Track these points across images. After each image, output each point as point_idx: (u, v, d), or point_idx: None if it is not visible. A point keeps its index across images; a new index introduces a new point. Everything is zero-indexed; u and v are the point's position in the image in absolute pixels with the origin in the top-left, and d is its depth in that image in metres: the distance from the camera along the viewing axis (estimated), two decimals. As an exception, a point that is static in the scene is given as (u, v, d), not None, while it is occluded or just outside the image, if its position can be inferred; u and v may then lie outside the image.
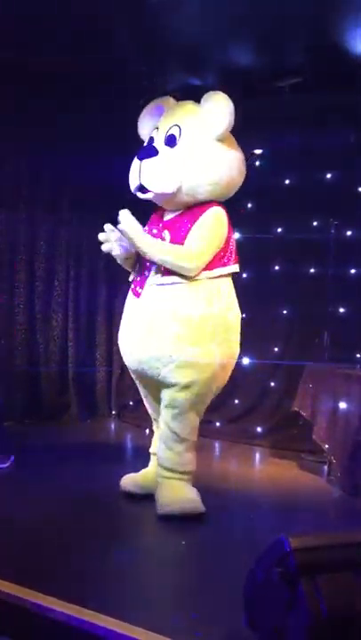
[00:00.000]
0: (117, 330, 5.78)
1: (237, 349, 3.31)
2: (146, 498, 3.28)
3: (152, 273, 3.19)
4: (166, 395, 3.15)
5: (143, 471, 3.45)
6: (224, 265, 3.20)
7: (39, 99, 4.78)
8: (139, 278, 3.28)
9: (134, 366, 3.27)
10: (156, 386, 3.24)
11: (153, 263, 3.17)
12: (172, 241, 3.16)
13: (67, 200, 5.58)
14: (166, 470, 3.15)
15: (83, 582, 2.30)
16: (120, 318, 3.32)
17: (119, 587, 2.29)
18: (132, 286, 3.32)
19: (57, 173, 5.35)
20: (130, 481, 3.38)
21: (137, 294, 3.25)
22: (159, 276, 3.15)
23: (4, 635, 2.09)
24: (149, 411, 3.50)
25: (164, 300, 3.13)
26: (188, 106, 3.32)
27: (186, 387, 3.08)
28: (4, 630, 2.11)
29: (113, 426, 5.67)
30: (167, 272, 3.13)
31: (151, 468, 3.44)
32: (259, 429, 5.03)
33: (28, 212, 5.33)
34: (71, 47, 4.14)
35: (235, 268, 3.27)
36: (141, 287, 3.23)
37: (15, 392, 5.19)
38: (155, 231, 3.23)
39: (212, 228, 3.17)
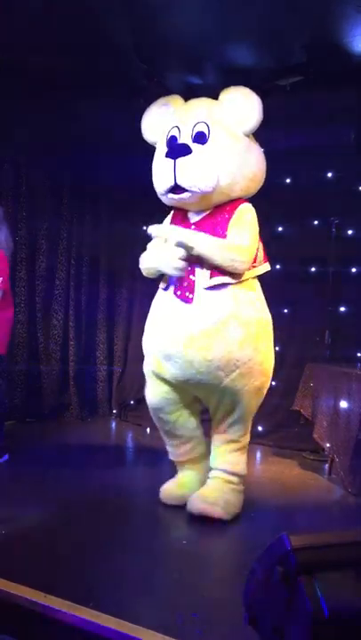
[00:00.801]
0: (117, 329, 5.87)
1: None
2: (146, 497, 3.29)
3: (199, 277, 3.03)
4: (226, 401, 3.08)
5: (175, 480, 3.38)
6: (262, 263, 3.22)
7: (36, 97, 4.76)
8: (186, 283, 3.06)
9: (186, 376, 3.04)
10: (202, 393, 3.17)
11: (195, 267, 3.02)
12: None
13: (67, 198, 5.58)
14: (213, 469, 3.17)
15: (82, 582, 2.30)
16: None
17: (119, 586, 2.29)
18: (178, 292, 3.08)
19: (57, 171, 5.34)
20: (168, 494, 3.29)
21: (188, 300, 3.03)
22: (207, 278, 3.01)
23: (7, 634, 2.08)
24: (170, 418, 3.28)
25: (224, 305, 2.99)
26: (208, 102, 3.22)
27: (249, 393, 3.06)
28: (6, 630, 2.11)
29: (114, 425, 5.67)
30: (214, 273, 3.00)
31: (180, 476, 3.38)
32: (260, 428, 5.02)
33: (27, 210, 5.32)
34: (70, 45, 4.13)
35: (266, 266, 3.26)
36: (191, 292, 3.03)
37: (16, 391, 5.19)
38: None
39: (252, 223, 3.14)
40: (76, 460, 4.13)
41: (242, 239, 3.04)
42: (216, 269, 3.00)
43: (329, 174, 4.91)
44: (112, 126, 4.60)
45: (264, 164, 3.30)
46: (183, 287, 3.07)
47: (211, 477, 3.18)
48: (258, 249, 3.18)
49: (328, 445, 4.05)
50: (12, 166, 5.20)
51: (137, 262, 3.44)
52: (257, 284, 3.23)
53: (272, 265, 5.02)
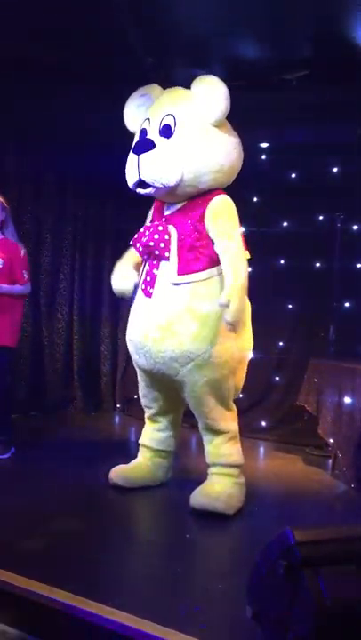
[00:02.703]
0: (122, 323, 5.86)
1: (251, 342, 3.30)
2: (145, 489, 3.30)
3: (163, 272, 3.12)
4: (190, 394, 3.12)
5: (132, 463, 3.46)
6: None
7: (41, 90, 4.75)
8: (148, 278, 3.19)
9: (149, 367, 3.20)
10: (171, 385, 3.22)
11: (160, 261, 3.12)
12: (180, 236, 3.09)
13: (72, 192, 5.58)
14: (211, 466, 3.18)
15: (85, 574, 2.31)
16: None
17: (122, 579, 2.30)
18: (142, 286, 3.23)
19: (61, 166, 5.33)
20: (119, 474, 3.37)
21: (148, 294, 3.17)
22: (174, 274, 3.08)
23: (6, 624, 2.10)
24: (149, 404, 3.46)
25: (180, 300, 3.06)
26: (179, 92, 3.21)
27: (209, 385, 3.06)
28: (6, 620, 2.12)
29: (117, 419, 5.68)
30: (182, 271, 3.07)
31: (141, 460, 3.46)
32: (263, 423, 5.03)
33: (32, 204, 5.32)
34: (76, 39, 4.12)
35: (246, 255, 3.19)
36: (152, 287, 3.16)
37: (20, 384, 5.20)
38: (160, 228, 3.14)
39: (231, 217, 3.13)
40: (80, 454, 4.13)
41: (232, 244, 3.04)
42: (184, 266, 3.07)
43: (334, 169, 4.89)
44: (117, 120, 4.58)
45: (235, 155, 3.21)
46: (146, 282, 3.21)
47: (210, 473, 3.18)
48: (242, 234, 3.19)
49: (332, 441, 4.05)
50: (16, 160, 5.20)
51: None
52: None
53: (277, 260, 5.07)
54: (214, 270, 3.07)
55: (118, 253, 5.79)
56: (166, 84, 3.77)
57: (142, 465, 3.44)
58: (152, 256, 3.17)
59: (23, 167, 5.26)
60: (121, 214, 5.67)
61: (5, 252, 3.89)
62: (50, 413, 5.39)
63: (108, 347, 5.85)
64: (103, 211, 5.79)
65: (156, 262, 3.15)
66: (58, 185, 5.49)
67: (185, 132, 3.08)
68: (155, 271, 3.16)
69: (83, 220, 5.70)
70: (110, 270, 5.78)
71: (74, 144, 4.96)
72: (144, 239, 3.17)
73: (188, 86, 3.24)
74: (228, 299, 2.85)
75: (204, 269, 3.07)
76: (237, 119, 3.17)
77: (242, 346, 3.21)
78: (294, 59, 4.27)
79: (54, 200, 5.48)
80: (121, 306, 5.90)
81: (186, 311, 3.04)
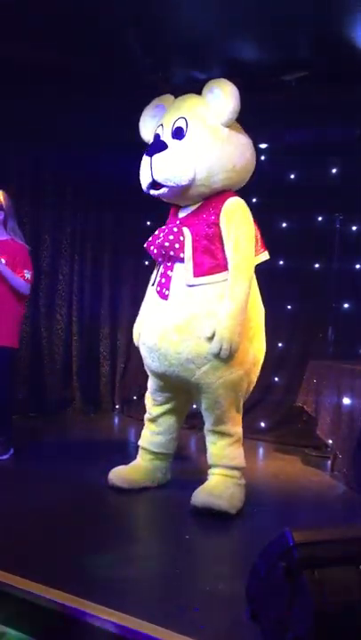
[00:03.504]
0: (121, 324, 5.86)
1: (264, 344, 3.30)
2: (145, 490, 3.30)
3: (178, 273, 3.12)
4: (205, 396, 3.11)
5: (131, 465, 3.45)
6: (260, 252, 3.19)
7: (37, 91, 4.76)
8: (163, 280, 3.18)
9: (162, 369, 3.17)
10: (183, 388, 3.22)
11: (174, 262, 3.13)
12: (195, 237, 3.09)
13: (71, 193, 5.58)
14: (213, 467, 3.18)
15: (84, 575, 2.30)
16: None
17: (121, 579, 2.30)
18: (157, 288, 3.21)
19: (60, 166, 5.33)
20: (117, 475, 3.37)
21: (164, 296, 3.15)
22: (190, 276, 3.08)
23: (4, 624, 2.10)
24: (155, 406, 3.44)
25: (196, 301, 3.06)
26: (191, 98, 3.25)
27: (225, 386, 3.06)
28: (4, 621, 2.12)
29: (116, 420, 5.67)
30: (198, 273, 3.07)
31: (139, 462, 3.46)
32: (262, 424, 5.03)
33: (31, 205, 5.32)
34: (73, 41, 4.12)
35: (265, 255, 3.22)
36: (167, 288, 3.14)
37: (19, 385, 5.20)
38: (175, 229, 3.14)
39: (244, 221, 3.12)
40: (79, 455, 4.13)
41: (239, 252, 3.04)
42: (200, 268, 3.06)
43: (333, 170, 4.89)
44: (116, 121, 4.59)
45: (248, 155, 3.24)
46: (161, 284, 3.19)
47: (212, 474, 3.18)
48: (256, 238, 3.17)
49: (331, 442, 4.05)
50: (15, 161, 5.20)
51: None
52: (253, 277, 3.20)
53: (276, 260, 5.07)
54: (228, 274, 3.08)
55: (117, 254, 5.86)
56: (165, 84, 3.78)
57: (141, 466, 3.44)
58: (166, 257, 3.17)
59: (22, 167, 5.27)
60: (120, 215, 5.68)
61: (8, 251, 3.88)
62: (49, 414, 5.39)
63: (107, 347, 5.85)
64: (102, 212, 5.80)
65: (170, 264, 3.16)
66: (57, 186, 5.49)
67: (197, 133, 3.11)
68: (169, 273, 3.16)
69: (82, 220, 5.70)
70: (109, 271, 5.86)
71: (73, 144, 4.97)
72: (158, 240, 3.18)
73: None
74: (212, 331, 2.96)
75: (219, 272, 3.07)
76: (237, 120, 3.18)
77: (257, 348, 3.22)
78: (294, 60, 4.27)
79: (53, 201, 5.48)
80: (120, 307, 5.92)
81: (202, 313, 3.03)
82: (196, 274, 3.07)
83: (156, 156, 3.11)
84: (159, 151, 3.10)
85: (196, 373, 3.06)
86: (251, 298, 3.11)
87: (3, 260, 3.80)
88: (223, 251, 3.08)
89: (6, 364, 3.90)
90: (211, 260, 3.08)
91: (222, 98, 3.09)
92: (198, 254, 3.08)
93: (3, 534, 2.65)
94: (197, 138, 3.10)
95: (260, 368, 3.30)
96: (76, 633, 2.03)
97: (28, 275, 3.92)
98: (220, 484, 3.09)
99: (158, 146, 3.13)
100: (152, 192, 3.23)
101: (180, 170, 3.07)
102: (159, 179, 3.12)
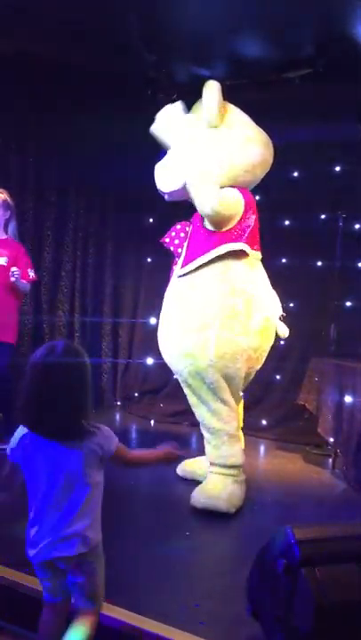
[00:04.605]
0: (122, 321, 5.87)
1: (249, 337, 3.11)
2: (149, 489, 3.31)
3: (176, 268, 3.33)
4: (191, 390, 3.17)
5: (197, 458, 3.57)
6: (233, 241, 3.12)
7: (39, 89, 4.75)
8: (171, 275, 3.42)
9: (170, 364, 3.34)
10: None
11: (175, 258, 3.35)
12: (193, 234, 3.28)
13: (73, 191, 5.57)
14: (211, 465, 3.19)
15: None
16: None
17: (121, 576, 2.31)
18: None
19: (63, 164, 5.33)
20: (183, 468, 3.58)
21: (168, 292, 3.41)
22: (180, 267, 3.26)
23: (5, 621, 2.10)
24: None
25: (179, 292, 3.24)
26: (197, 103, 3.38)
27: (190, 376, 3.10)
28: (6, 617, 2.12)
29: (118, 416, 5.68)
30: (186, 262, 3.21)
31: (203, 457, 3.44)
32: (264, 422, 5.03)
33: (34, 201, 5.32)
34: (76, 37, 4.11)
35: (241, 245, 3.12)
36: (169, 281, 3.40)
37: (20, 382, 5.20)
38: (178, 226, 3.39)
39: (234, 193, 3.16)
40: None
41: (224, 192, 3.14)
42: (187, 259, 3.20)
43: (336, 168, 4.88)
44: (119, 119, 4.59)
45: (246, 151, 3.25)
46: (170, 279, 3.42)
47: (210, 472, 3.18)
48: (240, 228, 3.14)
49: (332, 440, 4.06)
50: (18, 159, 5.19)
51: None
52: (237, 264, 3.15)
53: (278, 258, 5.06)
54: (211, 252, 3.12)
55: (120, 252, 5.86)
56: (168, 82, 3.78)
57: (198, 461, 3.55)
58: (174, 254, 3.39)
59: (25, 165, 5.26)
60: (122, 212, 5.68)
61: (10, 250, 3.94)
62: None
63: (108, 344, 5.85)
64: (105, 208, 5.79)
65: (175, 260, 3.37)
66: (59, 182, 5.48)
67: (185, 139, 3.27)
68: (173, 267, 3.38)
69: (84, 217, 5.70)
70: (111, 268, 5.86)
71: (75, 142, 4.96)
72: (167, 239, 3.40)
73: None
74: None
75: (201, 254, 3.16)
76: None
77: (230, 338, 3.07)
78: (297, 57, 4.26)
79: (56, 198, 5.47)
80: (122, 303, 5.93)
81: (180, 303, 3.18)
82: (184, 264, 3.25)
83: (156, 167, 3.37)
84: (157, 162, 3.37)
85: (174, 363, 3.23)
86: (230, 286, 3.08)
87: (5, 258, 3.87)
88: (211, 241, 3.16)
89: (8, 359, 4.01)
90: (199, 247, 3.21)
91: (204, 99, 3.22)
92: (190, 246, 3.30)
93: (3, 531, 2.66)
94: (186, 143, 3.26)
95: (241, 361, 3.11)
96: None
97: (32, 274, 4.05)
98: (218, 484, 3.09)
99: (159, 156, 3.39)
100: (165, 197, 3.43)
101: (169, 178, 3.29)
102: (159, 188, 3.37)
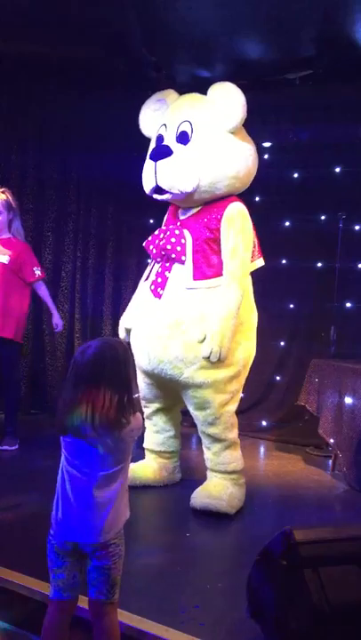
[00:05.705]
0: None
1: (255, 347, 3.28)
2: (147, 488, 3.30)
3: (176, 274, 3.13)
4: (193, 396, 3.10)
5: (138, 462, 3.46)
6: (256, 258, 3.22)
7: (39, 88, 4.76)
8: (159, 279, 3.19)
9: (151, 366, 3.18)
10: (172, 386, 3.21)
11: (173, 264, 3.14)
12: (195, 241, 3.10)
13: (74, 190, 5.57)
14: (209, 470, 3.18)
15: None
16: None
17: (123, 577, 2.29)
18: (152, 287, 3.22)
19: (63, 163, 5.33)
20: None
21: (158, 295, 3.17)
22: (189, 279, 3.09)
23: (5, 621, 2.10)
24: (147, 404, 3.46)
25: (192, 303, 3.07)
26: (195, 98, 3.23)
27: (209, 386, 3.05)
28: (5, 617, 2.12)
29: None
30: (198, 277, 3.08)
31: (146, 460, 3.48)
32: (264, 423, 5.03)
33: (34, 201, 5.32)
34: (77, 37, 4.12)
35: (260, 262, 3.24)
36: (162, 288, 3.16)
37: (21, 382, 5.20)
38: (177, 232, 3.16)
39: (244, 228, 3.12)
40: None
41: (235, 261, 3.07)
42: (199, 272, 3.08)
43: (337, 169, 4.88)
44: (119, 118, 4.59)
45: (251, 161, 3.25)
46: (157, 283, 3.20)
47: (211, 475, 3.18)
48: (253, 246, 3.18)
49: (332, 441, 4.05)
50: (19, 158, 5.19)
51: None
52: (249, 281, 3.23)
53: (278, 259, 5.06)
54: (230, 278, 3.09)
55: (120, 252, 5.86)
56: (169, 83, 3.77)
57: (147, 465, 3.45)
58: (165, 258, 3.18)
59: (25, 164, 5.26)
60: (123, 212, 5.67)
61: (12, 249, 3.94)
62: (51, 411, 5.38)
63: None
64: (105, 208, 5.78)
65: (168, 265, 3.17)
66: (60, 182, 5.48)
67: (202, 139, 3.10)
68: (166, 273, 3.17)
69: (84, 217, 5.69)
70: (112, 269, 5.85)
71: (76, 141, 4.97)
72: (161, 242, 3.18)
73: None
74: (203, 335, 2.97)
75: (216, 276, 3.09)
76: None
77: (248, 351, 3.19)
78: (298, 58, 4.27)
79: (56, 197, 5.47)
80: (122, 304, 5.92)
81: (196, 315, 3.04)
82: (196, 277, 3.09)
83: (161, 163, 3.10)
84: (163, 157, 3.09)
85: (185, 372, 3.05)
86: (243, 301, 3.11)
87: (7, 257, 3.87)
88: (221, 255, 3.10)
89: (16, 357, 4.07)
90: (210, 264, 3.10)
91: (230, 104, 3.07)
92: (198, 258, 3.10)
93: (5, 531, 2.66)
94: (202, 144, 3.10)
95: (248, 370, 3.27)
96: (76, 629, 2.03)
97: (38, 271, 4.09)
98: (218, 485, 3.09)
99: (162, 152, 3.11)
100: (155, 196, 3.24)
101: (185, 178, 3.07)
102: (164, 185, 3.13)
